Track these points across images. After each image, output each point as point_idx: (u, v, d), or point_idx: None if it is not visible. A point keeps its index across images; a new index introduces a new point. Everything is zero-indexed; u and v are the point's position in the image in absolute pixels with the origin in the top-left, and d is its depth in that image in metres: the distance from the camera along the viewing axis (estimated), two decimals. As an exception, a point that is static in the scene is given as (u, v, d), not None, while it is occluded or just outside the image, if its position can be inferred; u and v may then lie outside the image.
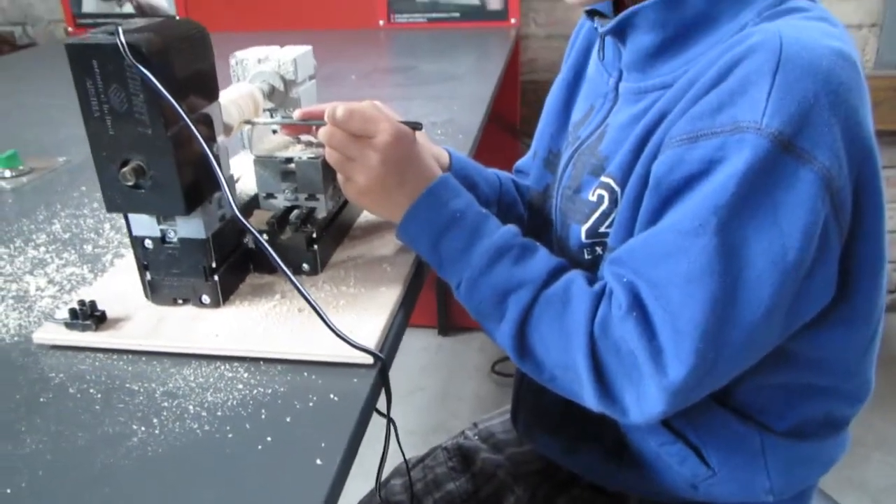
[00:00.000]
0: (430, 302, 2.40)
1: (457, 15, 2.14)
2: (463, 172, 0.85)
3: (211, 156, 0.62)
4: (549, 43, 2.27)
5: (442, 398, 2.20)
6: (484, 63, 1.82)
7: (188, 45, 0.63)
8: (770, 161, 0.56)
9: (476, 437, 1.04)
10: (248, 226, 0.60)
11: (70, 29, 2.34)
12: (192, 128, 0.59)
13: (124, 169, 0.61)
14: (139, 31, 0.59)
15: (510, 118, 2.17)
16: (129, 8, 2.28)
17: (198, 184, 0.64)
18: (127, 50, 0.56)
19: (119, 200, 0.63)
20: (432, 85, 1.57)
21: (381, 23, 2.18)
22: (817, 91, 0.56)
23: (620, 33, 0.70)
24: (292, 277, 0.60)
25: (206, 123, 0.66)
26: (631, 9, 0.67)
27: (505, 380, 2.21)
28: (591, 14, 0.74)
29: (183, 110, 0.59)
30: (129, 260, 0.80)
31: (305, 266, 0.74)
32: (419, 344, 2.40)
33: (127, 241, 0.87)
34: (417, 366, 2.31)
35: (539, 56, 2.29)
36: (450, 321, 2.45)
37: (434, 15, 2.15)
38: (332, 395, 0.59)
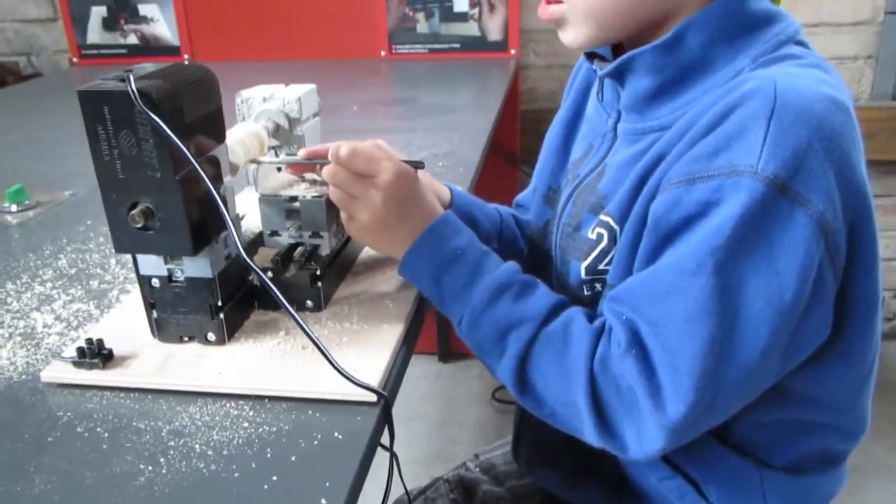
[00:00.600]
0: (430, 329, 2.40)
1: (457, 46, 2.17)
2: (464, 209, 0.86)
3: (218, 198, 0.63)
4: (548, 73, 2.30)
5: (442, 425, 2.20)
6: (484, 94, 1.84)
7: (197, 89, 0.64)
8: (766, 204, 0.58)
9: (477, 469, 1.05)
10: (255, 268, 0.62)
11: (75, 59, 2.37)
12: (201, 172, 0.61)
13: (133, 211, 0.62)
14: (149, 77, 0.61)
15: (510, 147, 2.20)
16: (133, 39, 2.31)
17: (205, 224, 0.66)
18: (138, 97, 0.58)
19: (128, 241, 0.64)
20: (433, 117, 1.59)
21: (383, 53, 2.21)
22: (811, 137, 0.57)
23: (619, 76, 0.71)
24: (297, 318, 0.61)
25: (214, 165, 0.67)
26: (629, 54, 0.69)
27: (505, 407, 2.21)
28: (591, 56, 0.76)
29: (191, 154, 0.61)
30: (134, 296, 0.81)
31: (309, 303, 0.75)
32: (419, 371, 2.41)
33: (132, 276, 0.88)
34: (417, 393, 2.31)
35: (539, 85, 2.32)
36: (450, 348, 2.46)
37: (435, 46, 2.18)
38: (336, 434, 0.59)
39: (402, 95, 1.88)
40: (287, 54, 2.26)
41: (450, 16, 2.14)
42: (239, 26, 2.25)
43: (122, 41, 2.32)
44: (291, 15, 2.22)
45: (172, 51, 2.29)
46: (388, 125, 1.56)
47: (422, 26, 2.16)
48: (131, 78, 0.59)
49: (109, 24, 2.31)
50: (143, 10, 2.27)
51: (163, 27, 2.28)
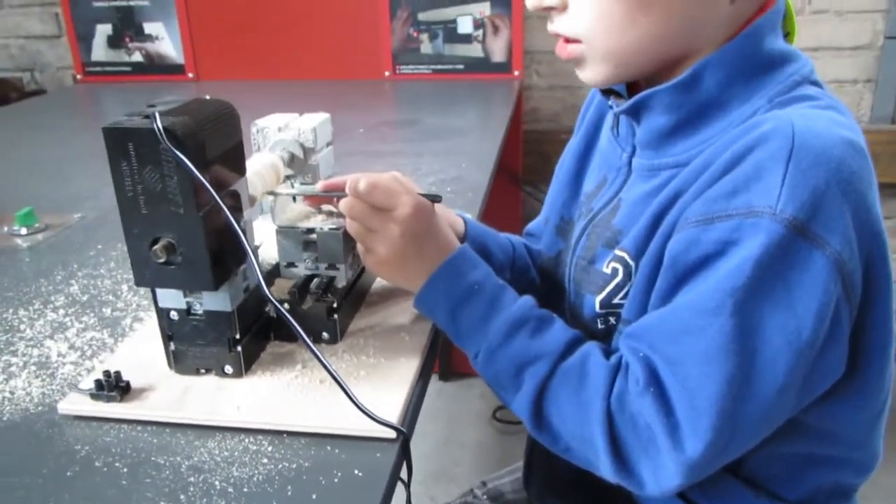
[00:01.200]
0: (431, 348, 2.40)
1: (461, 67, 2.18)
2: (478, 239, 0.86)
3: (241, 232, 0.63)
4: (551, 93, 2.32)
5: (443, 445, 2.20)
6: (489, 116, 1.85)
7: (219, 125, 0.65)
8: (785, 245, 0.58)
9: (485, 497, 1.04)
10: (277, 305, 0.62)
11: (79, 76, 2.37)
12: (224, 208, 0.61)
13: (155, 247, 0.62)
14: (173, 113, 0.61)
15: (512, 167, 2.20)
16: (137, 56, 2.32)
17: (225, 259, 0.66)
18: (163, 135, 0.58)
19: (149, 276, 0.65)
20: (439, 140, 1.60)
21: (387, 73, 2.22)
22: (829, 179, 0.58)
23: (635, 113, 0.72)
24: (318, 354, 0.61)
25: (235, 198, 0.68)
26: (646, 92, 0.69)
27: (507, 427, 2.21)
28: (607, 93, 0.77)
29: (213, 188, 0.61)
30: (148, 324, 0.82)
31: (325, 335, 0.75)
32: (420, 390, 2.40)
33: (145, 303, 0.88)
34: (418, 412, 2.30)
35: (541, 106, 2.33)
36: (450, 367, 2.46)
37: (438, 67, 2.19)
38: (356, 471, 0.60)
39: (407, 117, 1.89)
40: (291, 74, 2.27)
41: (454, 37, 2.15)
42: (243, 45, 2.26)
43: (126, 59, 2.33)
44: (296, 35, 2.23)
45: (177, 69, 2.30)
46: (395, 148, 1.57)
47: (426, 47, 2.18)
48: (157, 115, 0.59)
49: (114, 41, 2.32)
50: (148, 28, 2.28)
51: (167, 45, 2.29)
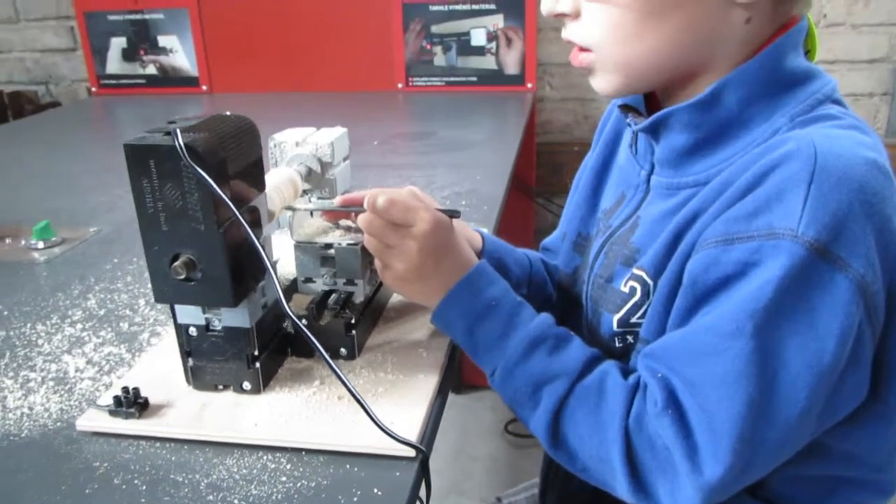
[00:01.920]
0: (443, 360, 2.39)
1: (474, 79, 2.18)
2: (495, 255, 0.86)
3: (261, 249, 0.63)
4: (563, 105, 2.32)
5: (454, 458, 2.18)
6: (503, 129, 1.85)
7: (240, 141, 0.65)
8: (806, 268, 0.58)
9: (501, 513, 1.04)
10: (297, 321, 0.62)
11: (94, 89, 2.39)
12: (245, 224, 0.61)
13: (175, 263, 0.62)
14: (193, 130, 0.62)
15: (525, 179, 2.20)
16: (152, 69, 2.33)
17: (245, 275, 0.66)
18: (185, 151, 0.58)
19: (169, 292, 0.65)
20: (454, 152, 1.60)
21: (400, 85, 2.22)
22: (851, 200, 0.58)
23: (654, 131, 0.72)
24: (338, 371, 0.61)
25: (254, 214, 0.68)
26: (666, 110, 0.69)
27: (518, 441, 2.20)
28: (625, 109, 0.76)
29: (234, 204, 0.61)
30: (165, 340, 0.82)
31: (343, 350, 0.75)
32: (432, 402, 2.39)
33: (162, 318, 0.89)
34: (430, 425, 2.29)
35: (554, 118, 2.34)
36: (462, 379, 2.45)
37: (451, 79, 2.19)
38: (375, 490, 0.59)
39: (420, 129, 1.89)
40: (305, 86, 2.28)
41: (467, 49, 2.16)
42: (257, 58, 2.27)
43: (140, 71, 2.35)
44: (309, 47, 2.24)
45: (191, 81, 2.32)
46: (410, 161, 1.57)
47: (439, 59, 2.18)
48: (178, 132, 0.59)
49: (129, 54, 2.33)
50: (163, 41, 2.30)
51: (182, 58, 2.30)
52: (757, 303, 0.58)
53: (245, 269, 0.66)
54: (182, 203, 0.61)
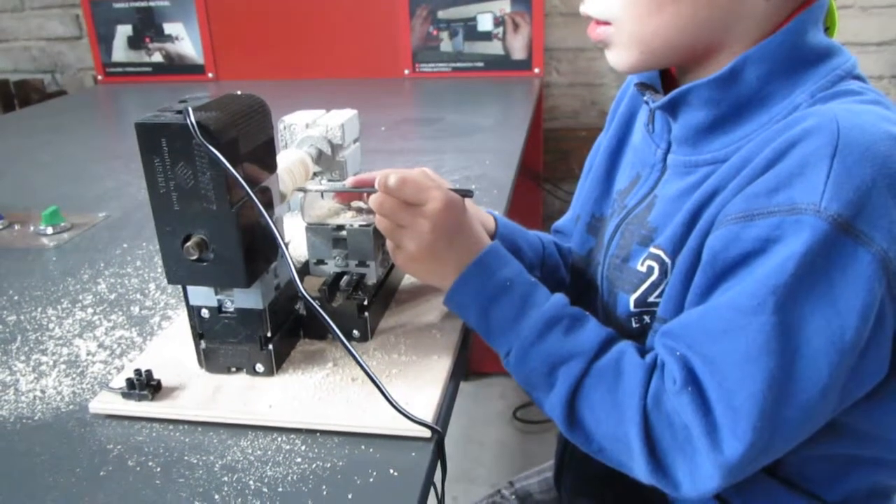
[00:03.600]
0: (451, 347, 2.39)
1: (480, 64, 2.17)
2: (509, 237, 0.85)
3: (275, 229, 0.63)
4: (570, 90, 2.30)
5: (464, 445, 2.18)
6: (510, 114, 1.84)
7: (251, 120, 0.64)
8: (829, 243, 0.57)
9: (513, 497, 1.03)
10: (312, 303, 0.61)
11: (100, 77, 2.38)
12: (258, 203, 0.61)
13: (188, 243, 0.62)
14: (205, 108, 0.61)
15: (533, 165, 2.19)
16: (157, 57, 2.33)
17: (257, 256, 0.65)
18: (197, 130, 0.58)
19: (181, 273, 0.64)
20: (462, 137, 1.59)
21: (406, 72, 2.21)
22: (875, 175, 0.57)
23: (672, 108, 0.71)
24: (353, 351, 0.61)
25: (266, 194, 0.67)
26: (685, 87, 0.68)
27: (527, 427, 2.20)
28: (642, 88, 0.75)
29: (246, 184, 0.60)
30: (177, 323, 0.81)
31: (356, 332, 0.75)
32: (440, 389, 2.39)
33: (173, 301, 0.88)
34: (438, 412, 2.29)
35: (561, 103, 2.32)
36: (470, 366, 2.45)
37: (458, 65, 2.18)
38: (391, 470, 0.59)
39: (428, 115, 1.88)
40: (311, 73, 2.27)
41: (474, 35, 2.14)
42: (263, 45, 2.26)
43: (146, 59, 2.34)
44: (315, 34, 2.23)
45: (197, 69, 2.31)
46: (418, 146, 1.56)
47: (445, 45, 2.17)
48: (190, 110, 0.58)
49: (134, 42, 2.33)
50: (168, 28, 2.29)
51: (187, 46, 2.29)
52: (778, 278, 0.58)
53: (258, 249, 0.65)
54: (194, 182, 0.60)
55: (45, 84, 2.58)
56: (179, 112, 0.60)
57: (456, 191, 0.73)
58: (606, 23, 0.70)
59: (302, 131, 0.84)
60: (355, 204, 0.79)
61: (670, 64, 0.73)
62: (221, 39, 2.28)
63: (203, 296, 0.68)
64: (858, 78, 0.67)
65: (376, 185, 0.71)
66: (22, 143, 1.75)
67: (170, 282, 0.65)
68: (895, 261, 0.59)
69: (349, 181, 0.78)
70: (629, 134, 0.85)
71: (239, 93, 0.67)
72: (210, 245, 0.62)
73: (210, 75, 2.30)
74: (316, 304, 0.64)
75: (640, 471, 0.65)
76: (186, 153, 0.59)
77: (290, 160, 0.77)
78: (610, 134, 0.87)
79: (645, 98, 0.75)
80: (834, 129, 0.58)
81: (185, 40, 2.29)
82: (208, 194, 0.60)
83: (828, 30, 0.70)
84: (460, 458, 2.12)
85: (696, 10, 0.66)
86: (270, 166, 0.68)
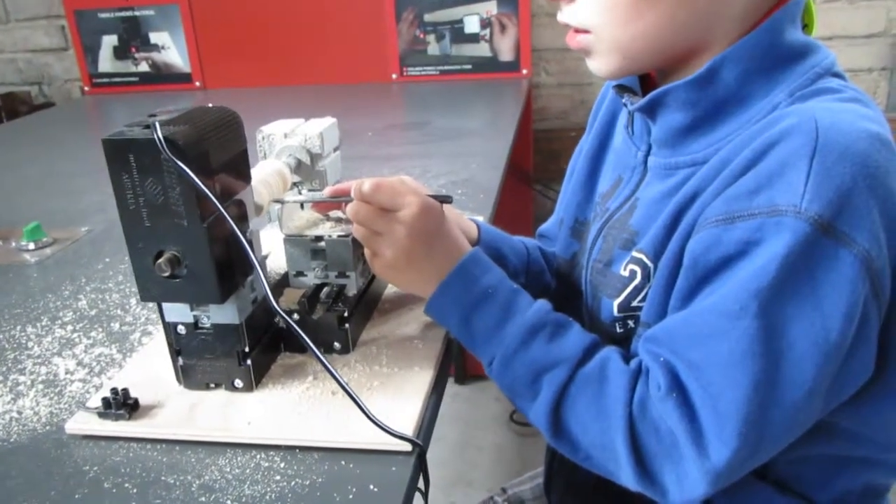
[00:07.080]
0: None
1: (468, 67, 2.16)
2: (493, 244, 0.84)
3: (245, 243, 0.62)
4: (559, 91, 2.29)
5: (461, 448, 2.18)
6: (498, 116, 1.83)
7: (222, 133, 0.63)
8: (810, 244, 0.56)
9: (505, 503, 1.02)
10: (284, 316, 0.60)
11: (86, 88, 2.37)
12: (228, 219, 0.60)
13: (160, 260, 0.61)
14: (174, 122, 0.60)
15: (523, 166, 2.18)
16: (144, 66, 2.32)
17: (232, 270, 0.64)
18: (164, 145, 0.57)
19: (154, 290, 0.63)
20: (449, 141, 1.58)
21: (394, 76, 2.20)
22: (855, 175, 0.56)
23: (650, 110, 0.70)
24: (330, 367, 0.60)
25: (240, 208, 0.66)
26: (662, 89, 0.67)
27: (524, 429, 2.19)
28: (621, 90, 0.74)
29: (218, 198, 0.59)
30: (156, 339, 0.80)
31: (337, 345, 0.74)
32: (436, 394, 2.38)
33: (153, 317, 0.87)
34: (435, 416, 2.29)
35: (550, 104, 2.31)
36: (466, 370, 2.44)
37: (446, 67, 2.17)
38: (371, 486, 0.58)
39: (415, 119, 1.87)
40: (298, 80, 2.26)
41: (461, 37, 2.14)
42: (250, 53, 2.25)
43: (133, 69, 2.33)
44: (302, 40, 2.22)
45: (184, 78, 2.30)
46: (405, 151, 1.55)
47: (433, 48, 2.16)
48: (157, 125, 0.57)
49: (120, 52, 2.32)
50: (154, 38, 2.28)
51: (174, 55, 2.28)
52: (761, 281, 0.57)
53: (232, 264, 0.64)
54: (164, 198, 0.59)
55: (33, 96, 2.56)
56: (147, 126, 0.59)
57: (434, 197, 0.72)
58: (586, 31, 0.69)
59: (280, 141, 0.83)
60: (334, 214, 0.78)
61: (652, 68, 0.73)
62: (208, 48, 2.27)
63: (179, 312, 0.67)
64: (837, 75, 0.66)
65: (352, 193, 0.70)
66: (9, 157, 1.73)
67: (143, 299, 0.64)
68: (877, 261, 0.58)
69: (327, 191, 0.77)
70: (611, 136, 0.84)
71: (210, 105, 0.66)
72: (182, 261, 0.61)
73: (197, 84, 2.29)
74: (294, 318, 0.64)
75: (627, 478, 0.64)
76: (155, 169, 0.58)
77: (267, 171, 0.76)
78: (591, 136, 0.86)
79: (624, 100, 0.74)
80: (813, 128, 0.57)
81: (171, 49, 2.28)
82: (179, 210, 0.59)
83: (806, 27, 0.70)
84: (457, 462, 2.11)
85: (675, 14, 0.65)
86: (244, 179, 0.67)
